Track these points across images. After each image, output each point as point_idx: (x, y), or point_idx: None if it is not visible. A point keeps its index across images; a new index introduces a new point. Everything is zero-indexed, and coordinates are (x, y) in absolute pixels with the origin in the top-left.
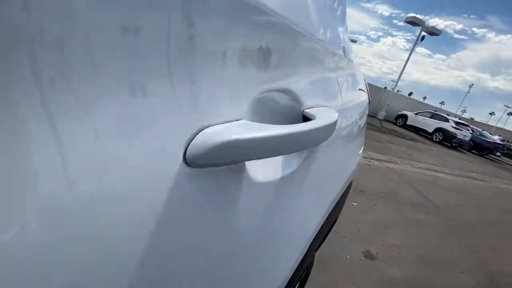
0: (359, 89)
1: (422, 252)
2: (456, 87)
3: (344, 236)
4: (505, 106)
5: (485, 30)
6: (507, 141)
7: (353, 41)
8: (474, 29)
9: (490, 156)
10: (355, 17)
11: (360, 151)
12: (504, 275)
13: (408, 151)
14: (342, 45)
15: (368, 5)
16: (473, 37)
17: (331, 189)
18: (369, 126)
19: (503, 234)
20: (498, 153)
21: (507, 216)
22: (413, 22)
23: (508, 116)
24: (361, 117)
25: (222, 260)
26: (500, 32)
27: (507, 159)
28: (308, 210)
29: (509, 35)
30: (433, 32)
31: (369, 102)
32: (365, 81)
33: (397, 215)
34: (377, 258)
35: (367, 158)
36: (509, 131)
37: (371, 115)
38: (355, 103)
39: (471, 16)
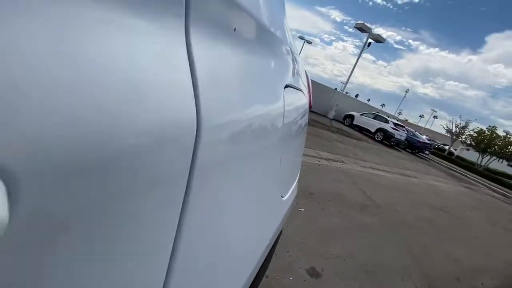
0: (287, 86)
1: (366, 260)
2: (394, 91)
3: (287, 251)
4: (431, 110)
5: (418, 42)
6: (433, 140)
7: (309, 42)
8: (410, 41)
9: (420, 154)
10: (311, 20)
11: (292, 188)
12: (438, 278)
13: (354, 150)
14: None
15: (323, 9)
16: (409, 48)
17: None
18: (319, 125)
19: (433, 232)
20: (426, 152)
21: (436, 212)
22: (362, 29)
23: (434, 118)
24: (291, 129)
25: None
26: (430, 45)
27: (433, 156)
28: None
29: (437, 49)
30: (378, 39)
31: (310, 106)
32: (307, 78)
33: (343, 220)
34: (322, 275)
35: (317, 157)
36: (435, 132)
37: (322, 115)
38: (267, 111)
39: (408, 29)
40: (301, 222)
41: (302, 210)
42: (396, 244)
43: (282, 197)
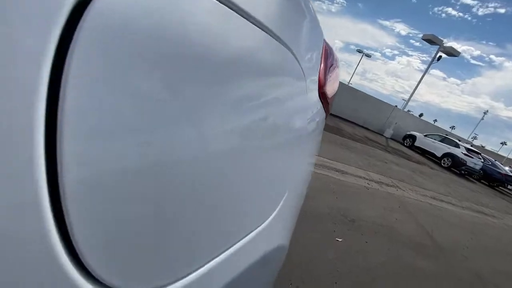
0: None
1: None
2: (468, 112)
3: None
4: None
5: (503, 58)
6: None
7: (368, 55)
8: (492, 56)
9: (500, 188)
10: (371, 33)
11: None
12: None
13: (413, 175)
14: None
15: (386, 23)
16: (490, 64)
17: None
18: (374, 144)
19: None
20: (510, 186)
21: None
22: (431, 41)
23: None
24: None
25: None
26: None
27: None
28: None
29: None
30: (451, 52)
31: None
32: (324, 56)
33: (390, 259)
34: None
35: (367, 179)
36: None
37: (378, 133)
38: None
39: (490, 43)
40: (336, 256)
41: (340, 240)
42: None
43: None
